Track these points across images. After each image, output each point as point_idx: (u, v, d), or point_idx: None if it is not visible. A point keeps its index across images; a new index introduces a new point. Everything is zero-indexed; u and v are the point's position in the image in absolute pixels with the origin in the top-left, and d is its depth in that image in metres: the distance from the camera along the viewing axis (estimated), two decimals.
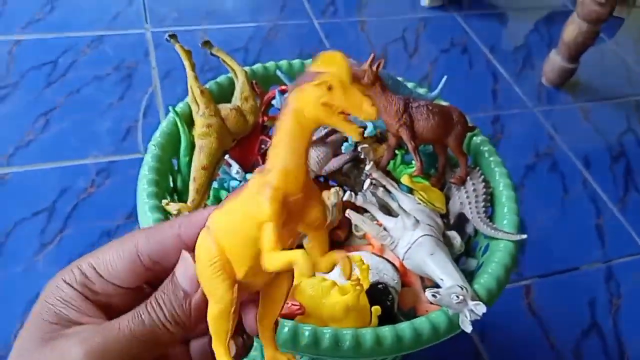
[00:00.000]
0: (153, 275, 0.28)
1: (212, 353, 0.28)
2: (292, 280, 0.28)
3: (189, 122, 0.65)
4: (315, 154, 0.65)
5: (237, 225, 0.25)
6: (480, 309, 0.48)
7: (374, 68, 0.61)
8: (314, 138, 0.65)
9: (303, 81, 0.23)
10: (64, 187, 0.97)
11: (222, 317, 0.26)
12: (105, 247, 0.28)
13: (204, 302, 0.26)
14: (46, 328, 0.26)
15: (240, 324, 0.28)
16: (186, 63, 0.66)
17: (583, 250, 1.03)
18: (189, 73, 0.66)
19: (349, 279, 0.36)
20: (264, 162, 0.30)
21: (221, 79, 0.71)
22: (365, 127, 0.66)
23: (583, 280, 0.99)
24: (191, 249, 0.27)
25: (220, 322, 0.26)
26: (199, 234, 0.26)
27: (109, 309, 0.27)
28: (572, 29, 1.25)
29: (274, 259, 0.23)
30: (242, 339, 0.28)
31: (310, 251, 0.27)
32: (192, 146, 0.64)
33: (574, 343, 0.89)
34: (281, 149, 0.24)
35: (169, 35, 0.68)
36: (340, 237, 0.65)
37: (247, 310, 0.28)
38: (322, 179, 0.70)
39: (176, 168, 0.66)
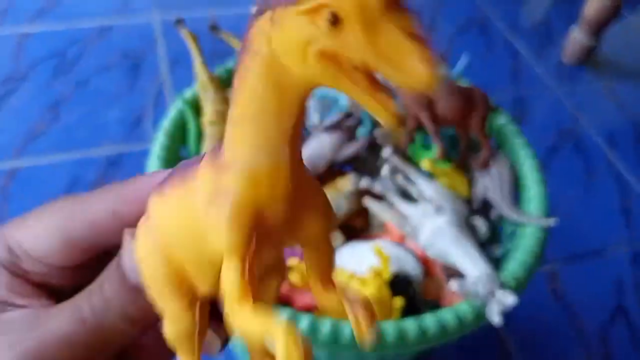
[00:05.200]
0: (92, 254, 0.22)
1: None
2: (283, 278, 0.21)
3: (198, 110, 0.63)
4: (330, 139, 0.62)
5: (185, 231, 0.17)
6: (510, 299, 0.45)
7: None
8: (325, 125, 0.62)
9: (283, 1, 0.12)
10: (75, 179, 0.95)
11: (181, 339, 0.19)
12: (30, 218, 0.22)
13: None
14: None
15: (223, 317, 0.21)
16: (192, 48, 0.64)
17: (608, 233, 1.00)
18: (196, 59, 0.64)
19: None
20: None
21: (230, 64, 0.69)
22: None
23: (609, 263, 0.96)
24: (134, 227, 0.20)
25: (181, 343, 0.19)
26: (138, 210, 0.20)
27: (49, 288, 0.22)
28: (594, 4, 1.21)
29: (242, 321, 0.15)
30: (225, 333, 0.22)
31: (307, 272, 0.19)
32: (201, 134, 0.62)
33: (600, 329, 0.86)
34: (247, 129, 0.14)
35: (176, 20, 0.66)
36: (357, 226, 0.63)
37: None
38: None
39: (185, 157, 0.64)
